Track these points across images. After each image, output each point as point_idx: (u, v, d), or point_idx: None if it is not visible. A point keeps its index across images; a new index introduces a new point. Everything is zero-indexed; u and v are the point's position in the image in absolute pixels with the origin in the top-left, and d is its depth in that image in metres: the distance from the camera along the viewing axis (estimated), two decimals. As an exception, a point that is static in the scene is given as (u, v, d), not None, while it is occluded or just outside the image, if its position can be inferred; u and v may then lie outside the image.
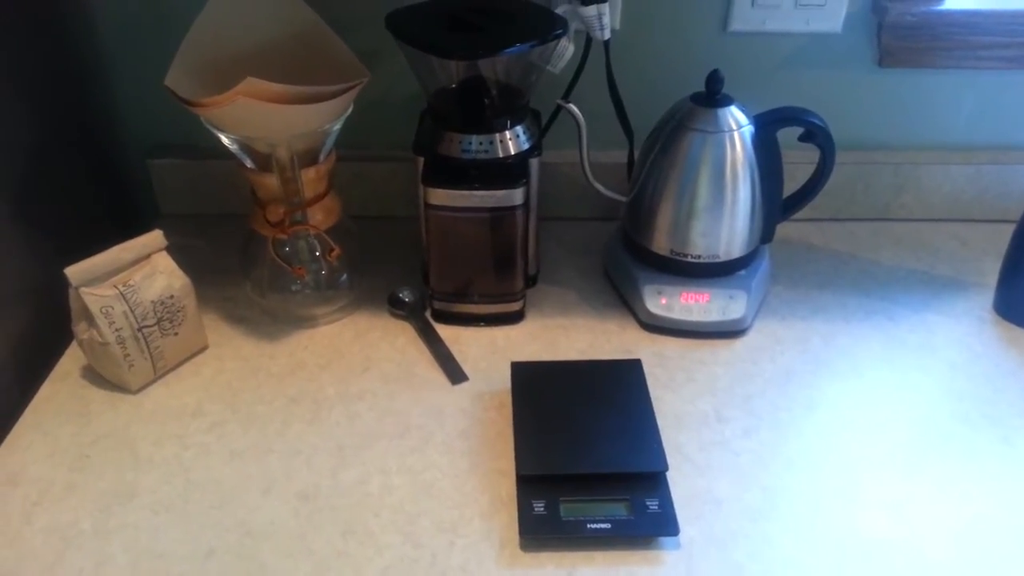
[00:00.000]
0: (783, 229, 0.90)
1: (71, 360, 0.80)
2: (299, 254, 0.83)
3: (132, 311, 0.74)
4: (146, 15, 0.90)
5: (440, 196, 0.78)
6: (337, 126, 0.77)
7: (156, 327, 0.76)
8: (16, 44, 0.79)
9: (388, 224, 0.95)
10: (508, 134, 0.79)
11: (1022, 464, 0.71)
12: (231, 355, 0.81)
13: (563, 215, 0.99)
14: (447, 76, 0.81)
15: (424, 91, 0.82)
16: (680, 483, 0.68)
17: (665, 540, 0.64)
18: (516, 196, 0.79)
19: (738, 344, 0.83)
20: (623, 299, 0.88)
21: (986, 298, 0.89)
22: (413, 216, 0.84)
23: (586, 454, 0.67)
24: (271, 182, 0.77)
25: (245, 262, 0.84)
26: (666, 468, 0.66)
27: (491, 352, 0.82)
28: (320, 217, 0.80)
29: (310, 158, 0.78)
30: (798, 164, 0.85)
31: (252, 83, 0.67)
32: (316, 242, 0.83)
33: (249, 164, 0.78)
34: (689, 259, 0.84)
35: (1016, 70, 0.92)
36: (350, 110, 0.77)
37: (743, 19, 0.89)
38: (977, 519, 0.66)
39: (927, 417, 0.75)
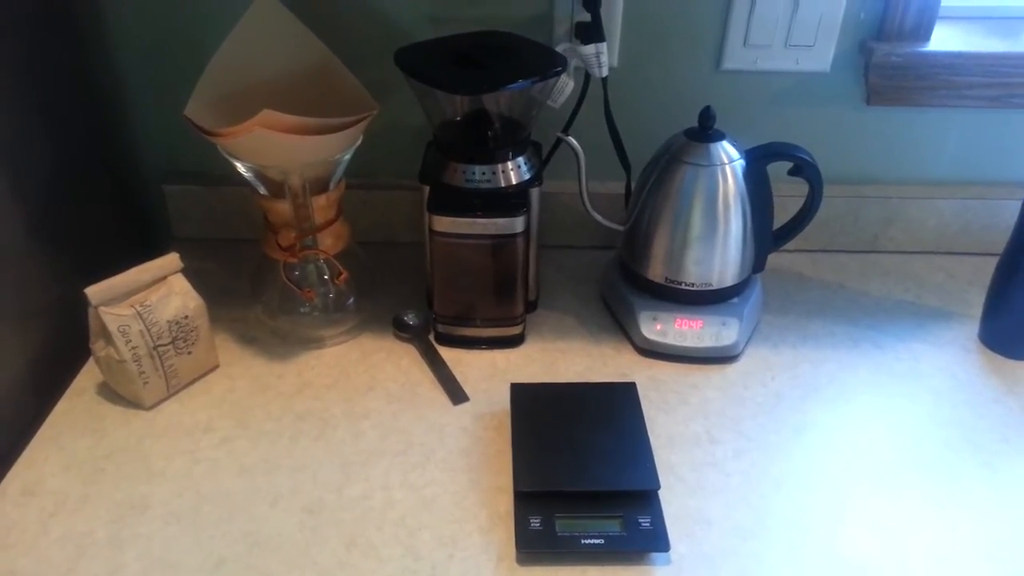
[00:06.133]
0: (776, 259, 0.93)
1: (87, 377, 0.83)
2: (308, 278, 0.86)
3: (148, 330, 0.77)
4: (165, 47, 0.94)
5: (444, 223, 0.82)
6: (347, 156, 0.81)
7: (171, 346, 0.79)
8: (40, 73, 0.83)
9: (394, 250, 0.98)
10: (510, 165, 0.83)
11: (1003, 488, 0.73)
12: (241, 374, 0.84)
13: (562, 243, 1.03)
14: (452, 109, 0.85)
15: (430, 123, 0.86)
16: (672, 502, 0.71)
17: (656, 556, 0.66)
18: (517, 224, 0.82)
19: (730, 369, 0.86)
20: (620, 325, 0.91)
21: (971, 328, 0.91)
22: (418, 242, 0.88)
23: (581, 472, 0.70)
24: (283, 208, 0.80)
25: (256, 285, 0.88)
26: (658, 487, 0.69)
27: (491, 374, 0.85)
28: (329, 242, 0.84)
29: (321, 186, 0.81)
30: (790, 197, 0.88)
31: (268, 115, 0.70)
32: (325, 266, 0.86)
33: (262, 191, 0.81)
34: (683, 287, 0.87)
35: (999, 109, 0.96)
36: (359, 141, 0.81)
37: (735, 58, 0.93)
38: (959, 541, 0.69)
39: (912, 442, 0.78)
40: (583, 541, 0.66)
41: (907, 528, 0.70)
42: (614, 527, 0.67)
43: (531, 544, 0.66)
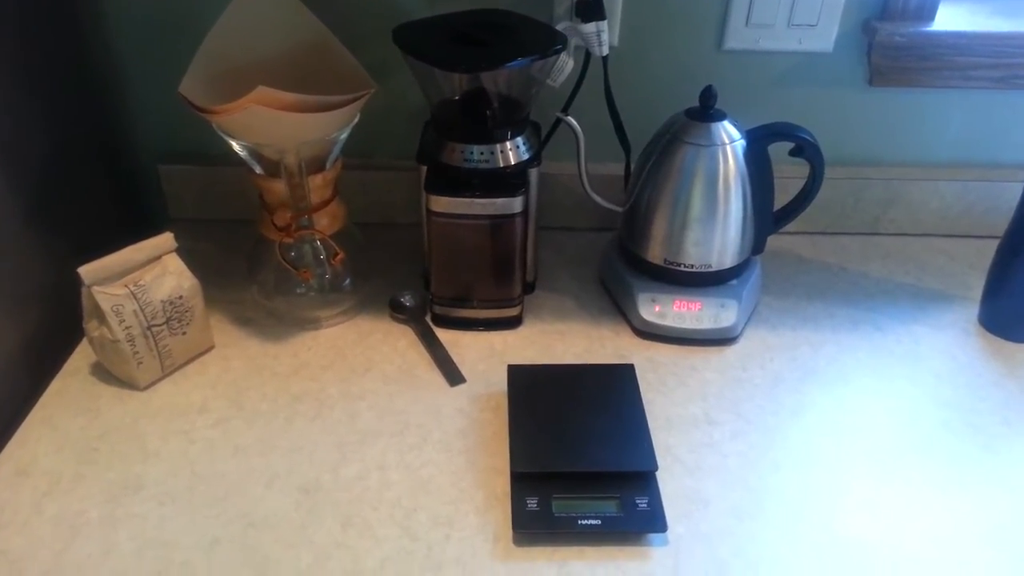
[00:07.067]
0: (775, 241, 0.93)
1: (81, 357, 0.82)
2: (304, 258, 0.85)
3: (142, 310, 0.76)
4: (159, 25, 0.92)
5: (442, 203, 0.81)
6: (344, 135, 0.80)
7: (165, 326, 0.78)
8: (34, 52, 0.82)
9: (391, 231, 0.97)
10: (509, 145, 0.82)
11: (1002, 470, 0.73)
12: (237, 355, 0.84)
13: (561, 225, 1.02)
14: (451, 88, 0.84)
15: (428, 102, 0.85)
16: (669, 483, 0.70)
17: (653, 537, 0.66)
18: (515, 204, 0.81)
19: (729, 351, 0.85)
20: (618, 307, 0.90)
21: (971, 311, 0.91)
22: (415, 224, 0.87)
23: (579, 453, 0.70)
24: (279, 187, 0.79)
25: (252, 265, 0.87)
26: (656, 468, 0.69)
27: (489, 355, 0.84)
28: (325, 222, 0.83)
29: (317, 165, 0.80)
30: (790, 179, 0.88)
31: (264, 91, 0.69)
32: (321, 247, 0.85)
33: (258, 170, 0.80)
34: (682, 268, 0.86)
35: (1003, 90, 0.95)
36: (356, 119, 0.80)
37: (738, 38, 0.92)
38: (957, 523, 0.68)
39: (911, 423, 0.78)
40: (580, 522, 0.66)
41: (905, 510, 0.69)
42: (611, 508, 0.66)
43: (528, 525, 0.66)
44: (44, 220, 0.83)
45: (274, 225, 0.81)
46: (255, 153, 0.79)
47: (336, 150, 0.81)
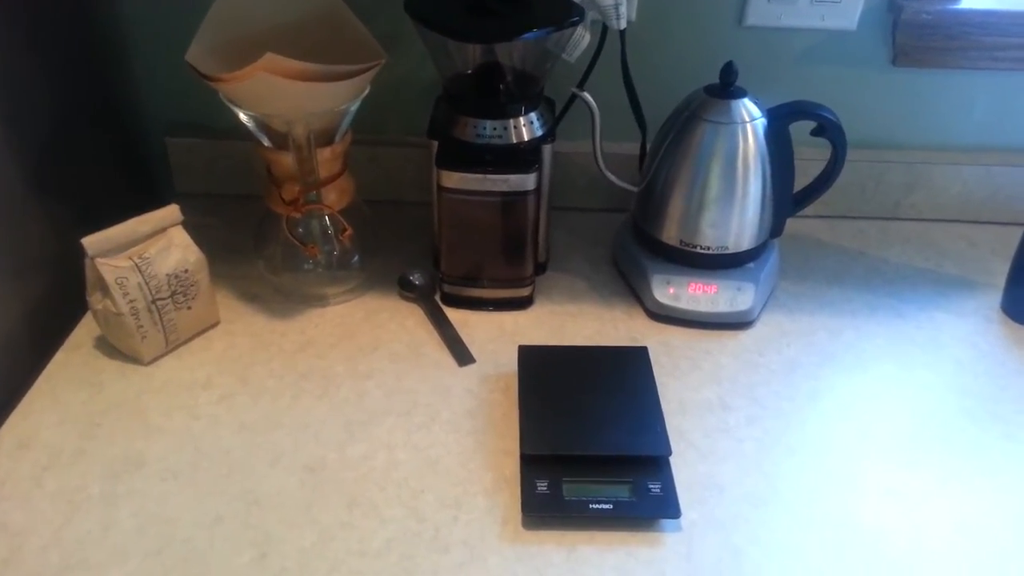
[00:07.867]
0: (793, 225, 0.91)
1: (85, 330, 0.81)
2: (312, 234, 0.84)
3: (147, 283, 0.75)
4: (169, -5, 0.91)
5: (453, 179, 0.79)
6: (354, 107, 0.78)
7: (170, 300, 0.76)
8: (40, 20, 0.80)
9: (400, 209, 0.95)
10: (522, 120, 0.80)
11: (1023, 460, 0.71)
12: (242, 331, 0.82)
13: (574, 205, 1.00)
14: (464, 61, 0.82)
15: (440, 76, 0.83)
16: (683, 468, 0.69)
17: (666, 522, 0.65)
18: (528, 181, 0.79)
19: (744, 335, 0.83)
20: (631, 289, 0.89)
21: (993, 298, 0.89)
22: (425, 202, 0.85)
23: (590, 436, 0.68)
24: (287, 160, 0.77)
25: (259, 240, 0.85)
26: (669, 452, 0.67)
27: (499, 336, 0.83)
28: (334, 197, 0.81)
29: (326, 138, 0.78)
30: (810, 161, 0.85)
31: (272, 59, 0.68)
32: (329, 222, 0.83)
33: (266, 142, 0.79)
34: (698, 250, 0.84)
35: (1031, 72, 0.93)
36: (367, 91, 0.78)
37: (759, 14, 0.90)
38: (976, 511, 0.67)
39: (930, 411, 0.76)
40: (591, 506, 0.64)
41: (923, 498, 0.68)
42: (623, 492, 0.65)
43: (537, 508, 0.64)
44: (48, 190, 0.82)
45: (282, 199, 0.79)
46: (263, 124, 0.77)
47: (345, 123, 0.79)
